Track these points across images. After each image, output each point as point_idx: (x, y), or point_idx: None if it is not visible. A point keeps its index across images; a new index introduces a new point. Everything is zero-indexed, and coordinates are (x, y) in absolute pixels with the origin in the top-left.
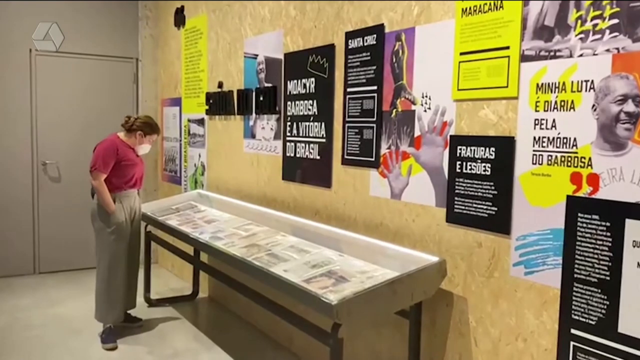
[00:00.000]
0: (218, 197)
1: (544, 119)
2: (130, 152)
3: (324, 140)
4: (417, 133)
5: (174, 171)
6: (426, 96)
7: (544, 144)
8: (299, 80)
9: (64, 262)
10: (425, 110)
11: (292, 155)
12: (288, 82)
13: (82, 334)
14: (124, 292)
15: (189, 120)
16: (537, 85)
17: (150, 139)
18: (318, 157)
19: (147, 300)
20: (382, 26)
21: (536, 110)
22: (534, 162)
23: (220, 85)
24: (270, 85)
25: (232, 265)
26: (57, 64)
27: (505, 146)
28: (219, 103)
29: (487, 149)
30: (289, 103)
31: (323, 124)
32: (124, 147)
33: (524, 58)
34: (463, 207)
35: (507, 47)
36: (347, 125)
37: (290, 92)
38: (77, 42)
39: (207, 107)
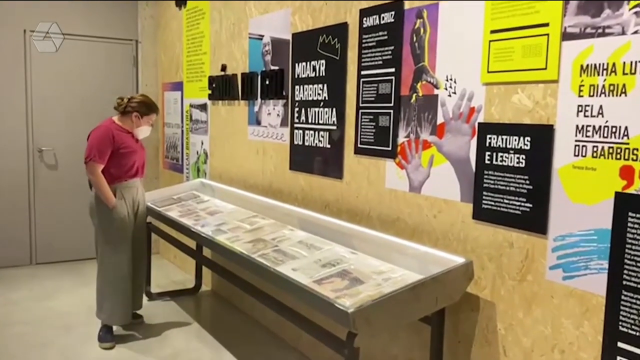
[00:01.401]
0: (221, 187)
1: (588, 105)
2: (129, 137)
3: (335, 127)
4: (440, 120)
5: (176, 159)
6: (451, 79)
7: (589, 134)
8: (308, 63)
9: (62, 253)
10: (449, 95)
11: (301, 143)
12: (296, 64)
13: (77, 330)
14: (131, 291)
15: (190, 106)
16: (582, 67)
17: (149, 119)
18: (328, 146)
19: (147, 294)
20: (401, 2)
21: (580, 96)
22: (577, 153)
23: (223, 68)
24: (276, 68)
25: (236, 262)
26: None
27: (542, 135)
28: (222, 87)
29: (522, 138)
30: (297, 87)
31: (334, 110)
32: (121, 132)
33: (566, 36)
34: (492, 203)
35: (546, 24)
36: (360, 111)
37: (298, 76)
38: (74, 23)
39: (209, 92)
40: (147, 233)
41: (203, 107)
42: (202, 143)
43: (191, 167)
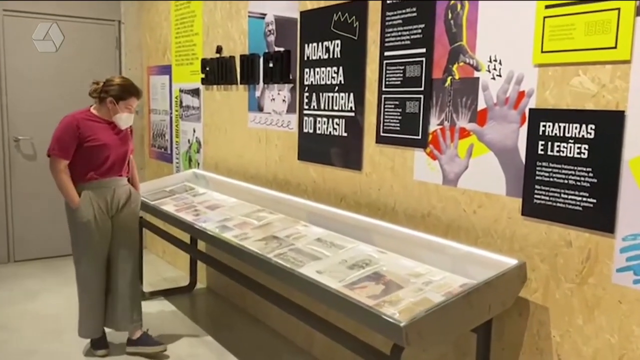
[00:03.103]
0: (218, 178)
1: None
2: (102, 128)
3: (352, 114)
4: (481, 106)
5: (164, 147)
6: (495, 60)
7: None
8: (320, 43)
9: (43, 249)
10: (493, 78)
11: (311, 131)
12: (305, 45)
13: (65, 335)
14: (100, 303)
15: (180, 91)
16: None
17: (127, 105)
18: (345, 134)
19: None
20: None
21: None
22: None
23: (219, 50)
24: (281, 49)
25: (249, 263)
26: (29, 27)
27: (610, 123)
28: (218, 71)
29: (584, 126)
30: (306, 70)
31: (352, 94)
32: (93, 122)
33: None
34: (547, 198)
35: None
36: (383, 96)
37: (308, 57)
38: (51, 2)
39: (202, 76)
40: (138, 239)
41: (195, 92)
42: (194, 131)
43: (182, 156)
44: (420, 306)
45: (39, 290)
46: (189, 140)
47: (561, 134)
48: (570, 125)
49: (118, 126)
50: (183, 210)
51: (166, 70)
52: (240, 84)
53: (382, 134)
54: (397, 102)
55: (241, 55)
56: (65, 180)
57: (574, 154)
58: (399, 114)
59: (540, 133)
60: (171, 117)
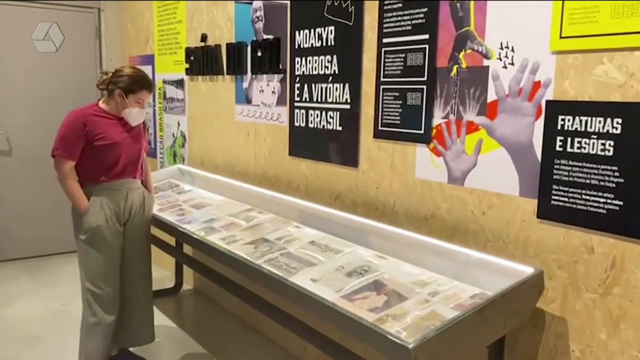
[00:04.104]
0: (204, 175)
1: None
2: (112, 125)
3: (347, 106)
4: (491, 97)
5: (147, 141)
6: (507, 47)
7: None
8: (312, 30)
9: (18, 248)
10: (505, 67)
11: (303, 125)
12: (296, 32)
13: (44, 343)
14: (112, 322)
15: (164, 82)
16: None
17: (137, 98)
18: (339, 128)
19: None
20: None
21: None
22: None
23: (203, 38)
24: (270, 37)
25: (237, 270)
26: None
27: (639, 116)
28: (203, 60)
29: (610, 120)
30: (297, 59)
31: (347, 85)
32: (102, 118)
33: None
34: (566, 199)
35: None
36: (382, 87)
37: (299, 46)
38: None
39: (187, 66)
40: (147, 250)
41: (179, 84)
42: (179, 124)
43: (166, 151)
44: (428, 321)
45: (16, 294)
46: (173, 134)
47: (583, 129)
48: (594, 119)
49: (128, 122)
50: (167, 209)
51: (149, 60)
52: (227, 74)
53: (380, 128)
54: (397, 94)
55: (227, 44)
56: (72, 183)
57: (597, 150)
58: (399, 106)
59: (559, 127)
60: (154, 110)
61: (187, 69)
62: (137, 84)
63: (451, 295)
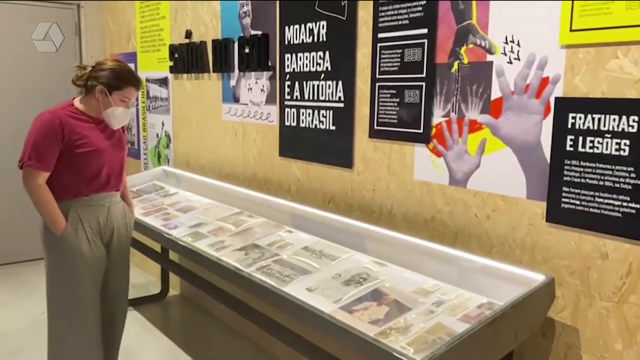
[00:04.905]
0: (189, 176)
1: None
2: (91, 128)
3: (341, 104)
4: (495, 94)
5: (130, 142)
6: (512, 41)
7: None
8: (303, 25)
9: None
10: (510, 62)
11: (294, 124)
12: (286, 28)
13: (22, 355)
14: (96, 351)
15: (147, 80)
16: None
17: (122, 96)
18: (333, 128)
19: None
20: None
21: None
22: None
23: (188, 35)
24: (259, 33)
25: (226, 278)
26: None
27: None
28: (188, 58)
29: (625, 117)
30: (287, 56)
31: (340, 83)
32: (79, 121)
33: None
34: (578, 202)
35: None
36: (377, 84)
37: (289, 42)
38: None
39: (171, 64)
40: (126, 276)
41: (163, 82)
42: (163, 124)
43: (150, 152)
44: (434, 334)
45: None
46: (157, 135)
47: (595, 127)
48: (607, 116)
49: (109, 125)
50: (152, 214)
51: (131, 58)
52: (213, 72)
53: (376, 127)
54: (393, 91)
55: (213, 40)
56: (47, 198)
57: (611, 150)
58: (395, 104)
59: (569, 126)
60: (137, 109)
61: (171, 67)
62: (123, 79)
63: (457, 305)
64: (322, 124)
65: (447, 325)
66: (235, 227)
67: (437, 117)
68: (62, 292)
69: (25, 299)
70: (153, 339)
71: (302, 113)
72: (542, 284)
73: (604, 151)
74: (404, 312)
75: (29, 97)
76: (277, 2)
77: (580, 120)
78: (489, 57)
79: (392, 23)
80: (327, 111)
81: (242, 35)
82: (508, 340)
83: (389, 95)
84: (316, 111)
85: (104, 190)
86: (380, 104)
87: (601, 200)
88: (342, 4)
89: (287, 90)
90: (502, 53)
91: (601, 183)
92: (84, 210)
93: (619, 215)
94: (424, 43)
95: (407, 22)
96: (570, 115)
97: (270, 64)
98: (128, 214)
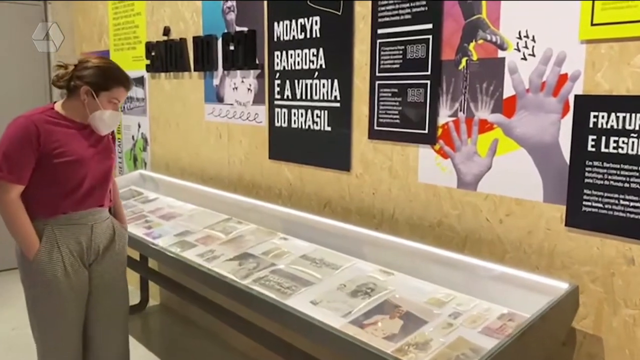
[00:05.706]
0: (169, 180)
1: None
2: (73, 135)
3: (337, 104)
4: (508, 92)
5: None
6: (526, 36)
7: None
8: (294, 21)
9: None
10: (524, 58)
11: (285, 125)
12: (275, 24)
13: None
14: None
15: None
16: None
17: (110, 98)
18: (328, 129)
19: None
20: None
21: None
22: None
23: (166, 32)
24: (244, 29)
25: (220, 291)
26: None
27: None
28: (166, 56)
29: None
30: (277, 53)
31: (336, 81)
32: (59, 127)
33: None
34: (600, 205)
35: None
36: (377, 82)
37: (279, 38)
38: None
39: (147, 62)
40: (127, 296)
41: (139, 81)
42: (140, 125)
43: (125, 155)
44: (457, 350)
45: None
46: (133, 137)
47: (620, 127)
48: (633, 115)
49: (96, 131)
50: (132, 222)
51: (104, 56)
52: (195, 70)
53: (376, 127)
54: (395, 90)
55: (194, 37)
56: (21, 216)
57: (637, 150)
58: (397, 103)
59: (591, 125)
60: None
61: (147, 66)
62: (111, 78)
63: (476, 316)
64: (317, 125)
65: (469, 339)
66: (224, 234)
67: (444, 117)
68: (39, 323)
69: (2, 308)
70: (134, 352)
71: (294, 113)
72: (567, 292)
73: (630, 152)
74: (420, 326)
75: None
76: None
77: (603, 119)
78: (501, 54)
79: (393, 18)
80: (322, 111)
81: (226, 31)
82: (536, 354)
83: (390, 94)
84: (309, 111)
85: (86, 206)
86: (381, 103)
87: (626, 203)
88: None
89: (276, 89)
90: (515, 49)
91: (627, 185)
92: (62, 230)
93: None
94: (428, 39)
95: (409, 17)
96: (592, 114)
97: (257, 61)
98: (119, 232)
